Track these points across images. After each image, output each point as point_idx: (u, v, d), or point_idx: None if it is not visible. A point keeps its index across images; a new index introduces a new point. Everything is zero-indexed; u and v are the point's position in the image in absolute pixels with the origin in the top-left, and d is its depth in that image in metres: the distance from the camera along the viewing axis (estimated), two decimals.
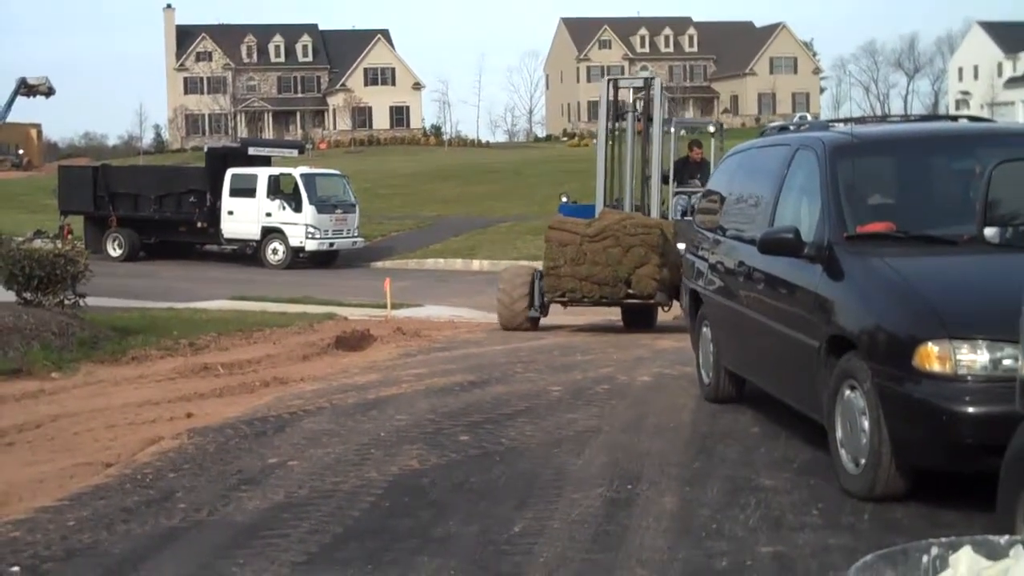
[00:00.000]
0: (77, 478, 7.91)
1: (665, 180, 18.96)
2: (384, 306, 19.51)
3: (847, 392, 6.91)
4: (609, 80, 19.21)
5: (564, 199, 21.73)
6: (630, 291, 15.08)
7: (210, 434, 9.13)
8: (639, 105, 18.72)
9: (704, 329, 10.05)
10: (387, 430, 9.10)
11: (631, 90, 19.70)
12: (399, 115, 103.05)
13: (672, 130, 20.17)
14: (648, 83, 18.79)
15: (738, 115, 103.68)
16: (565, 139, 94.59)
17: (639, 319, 16.41)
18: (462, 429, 9.08)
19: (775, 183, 8.73)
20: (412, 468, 7.93)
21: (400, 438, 8.81)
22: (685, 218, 17.63)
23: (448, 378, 11.53)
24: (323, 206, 31.94)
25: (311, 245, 31.66)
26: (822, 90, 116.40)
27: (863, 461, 6.73)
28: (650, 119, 18.43)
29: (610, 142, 18.73)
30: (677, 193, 19.30)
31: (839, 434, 7.03)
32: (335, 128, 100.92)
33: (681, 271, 14.34)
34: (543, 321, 16.44)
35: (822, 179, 7.89)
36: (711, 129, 20.79)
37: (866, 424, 6.69)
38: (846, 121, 9.57)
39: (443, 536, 6.42)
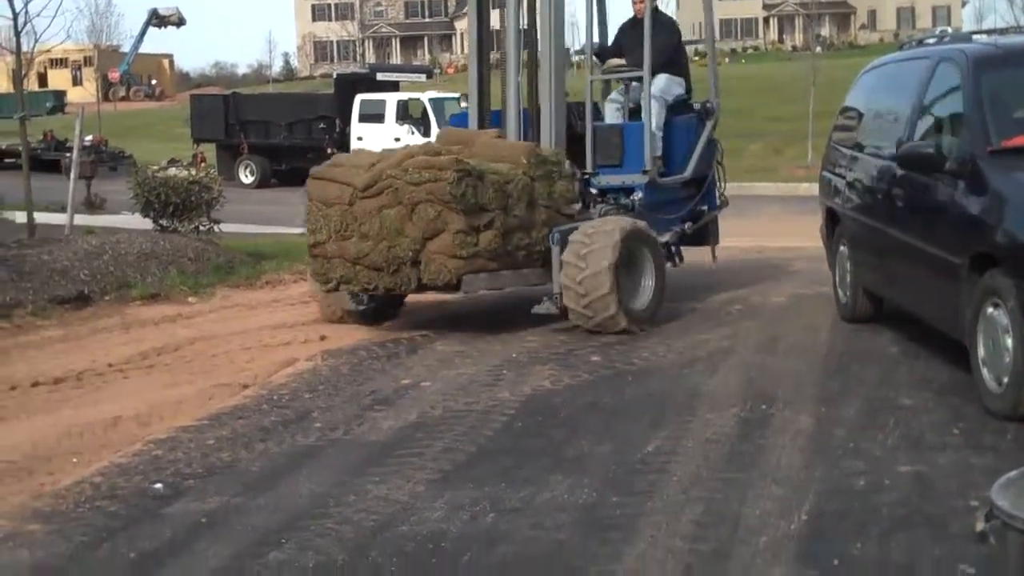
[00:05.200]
0: (216, 399, 8.06)
1: (600, 58, 11.86)
2: None
3: (990, 310, 6.71)
4: None
5: (462, 105, 11.89)
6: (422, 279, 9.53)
7: (343, 356, 9.23)
8: None
9: (841, 248, 9.84)
10: (518, 351, 9.10)
11: None
12: (526, 38, 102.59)
13: None
14: None
15: (876, 30, 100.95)
16: (696, 58, 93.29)
17: None
18: (593, 350, 9.05)
19: (915, 97, 8.47)
20: (544, 388, 7.93)
21: (532, 359, 8.81)
22: (632, 122, 11.21)
23: None
24: None
25: None
26: (964, 3, 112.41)
27: (1006, 380, 6.54)
28: None
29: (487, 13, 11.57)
30: (620, 77, 11.64)
31: (981, 353, 6.84)
32: (462, 52, 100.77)
33: (548, 233, 9.79)
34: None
35: (965, 92, 7.65)
36: None
37: (1009, 342, 6.49)
38: (989, 33, 9.22)
39: (576, 455, 6.41)
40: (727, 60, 72.39)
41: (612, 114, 11.55)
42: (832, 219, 10.14)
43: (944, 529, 5.09)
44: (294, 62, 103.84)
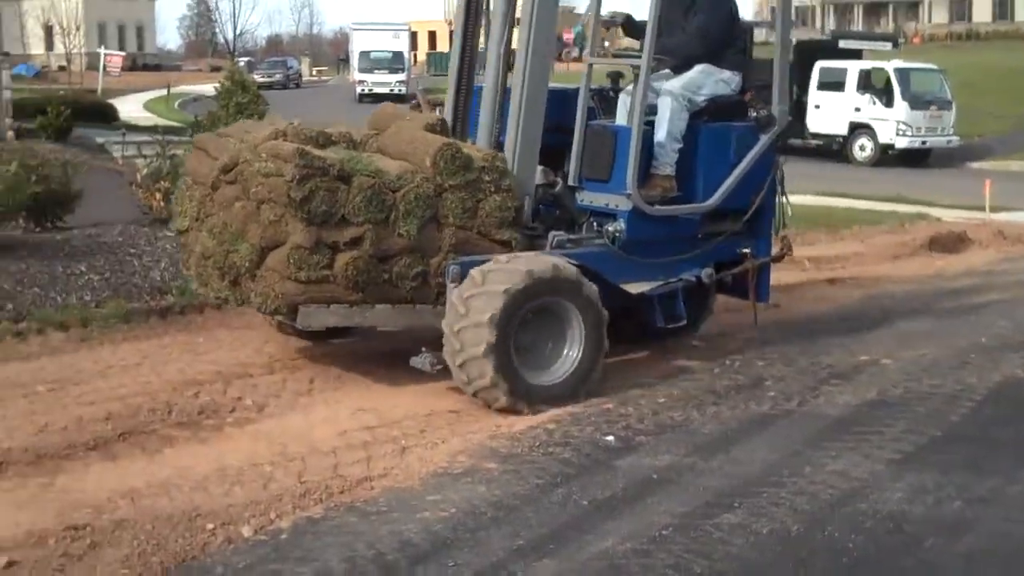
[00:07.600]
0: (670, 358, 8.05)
1: (632, 32, 8.54)
2: (982, 208, 18.47)
3: None
4: None
5: None
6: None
7: (796, 327, 8.97)
8: None
9: None
10: (988, 336, 8.60)
11: None
12: (1002, 7, 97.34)
13: None
14: None
15: None
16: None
17: None
18: None
19: None
20: (1017, 377, 7.48)
21: (1003, 345, 8.30)
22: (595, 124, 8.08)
23: None
24: (917, 102, 30.66)
25: (902, 142, 30.52)
26: None
27: None
28: None
29: None
30: (617, 64, 8.68)
31: None
32: (929, 21, 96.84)
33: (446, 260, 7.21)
34: None
35: None
36: None
37: None
38: None
39: None
40: None
41: (624, 111, 8.15)
42: None
43: None
44: None
